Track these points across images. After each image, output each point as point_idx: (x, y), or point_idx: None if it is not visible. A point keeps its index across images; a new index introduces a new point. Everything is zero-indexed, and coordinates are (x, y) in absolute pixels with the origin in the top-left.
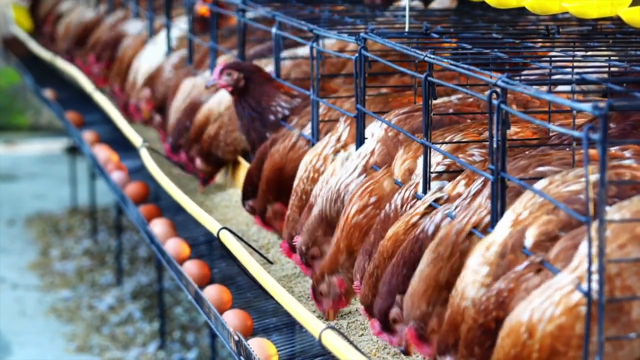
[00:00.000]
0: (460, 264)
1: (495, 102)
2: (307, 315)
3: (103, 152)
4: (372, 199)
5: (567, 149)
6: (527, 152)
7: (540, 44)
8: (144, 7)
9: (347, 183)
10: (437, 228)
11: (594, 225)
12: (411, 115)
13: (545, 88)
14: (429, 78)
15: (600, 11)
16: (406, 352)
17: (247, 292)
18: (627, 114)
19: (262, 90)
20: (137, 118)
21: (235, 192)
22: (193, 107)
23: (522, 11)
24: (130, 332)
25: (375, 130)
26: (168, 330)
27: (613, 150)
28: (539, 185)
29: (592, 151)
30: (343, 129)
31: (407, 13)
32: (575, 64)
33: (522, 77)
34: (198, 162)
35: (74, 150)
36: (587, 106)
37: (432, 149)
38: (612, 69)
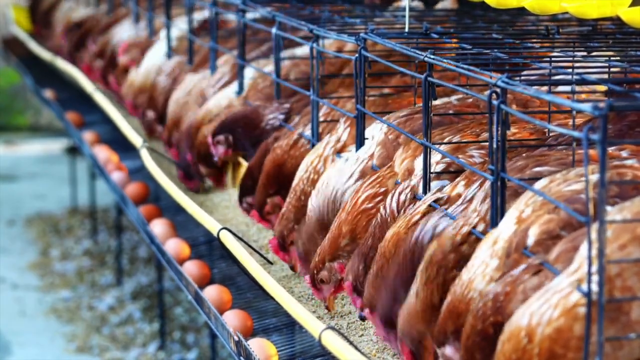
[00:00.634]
0: (449, 279)
1: (495, 102)
2: (307, 316)
3: (103, 153)
4: (382, 189)
5: (565, 149)
6: (524, 153)
7: (540, 45)
8: (144, 7)
9: (343, 190)
10: (436, 229)
11: (594, 225)
12: (411, 117)
13: (545, 88)
14: (429, 78)
15: (600, 11)
16: None
17: (247, 292)
18: (624, 115)
19: (251, 125)
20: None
21: (236, 193)
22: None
23: (522, 11)
24: (130, 332)
25: (375, 133)
26: (168, 331)
27: (610, 150)
28: (540, 183)
29: (591, 151)
30: (343, 130)
31: (407, 13)
32: (575, 64)
33: (522, 78)
34: (200, 167)
35: (74, 151)
36: (586, 106)
37: (431, 150)
38: (612, 69)
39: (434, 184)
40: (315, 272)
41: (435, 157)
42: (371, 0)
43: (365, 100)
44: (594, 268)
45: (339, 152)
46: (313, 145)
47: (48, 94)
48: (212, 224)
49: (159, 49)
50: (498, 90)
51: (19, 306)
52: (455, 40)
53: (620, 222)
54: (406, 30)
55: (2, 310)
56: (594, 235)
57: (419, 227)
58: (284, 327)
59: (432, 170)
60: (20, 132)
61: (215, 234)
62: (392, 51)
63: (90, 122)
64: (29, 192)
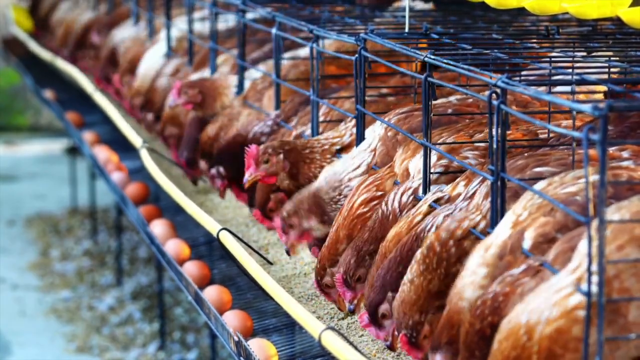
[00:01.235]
0: (451, 271)
1: (495, 102)
2: (307, 316)
3: (103, 153)
4: (379, 193)
5: (566, 150)
6: (525, 153)
7: (540, 45)
8: (144, 7)
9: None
10: (437, 229)
11: (594, 225)
12: (411, 114)
13: (544, 88)
14: (429, 78)
15: (600, 11)
16: (391, 347)
17: (247, 292)
18: (625, 116)
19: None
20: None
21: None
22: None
23: (522, 12)
24: (130, 332)
25: (376, 129)
26: (168, 331)
27: (611, 151)
28: (537, 187)
29: (591, 151)
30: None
31: (407, 13)
32: (575, 64)
33: (522, 78)
34: (202, 164)
35: (74, 151)
36: (586, 107)
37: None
38: (611, 69)
39: (432, 188)
40: (319, 278)
41: (435, 157)
42: (360, 0)
43: (365, 101)
44: (594, 268)
45: (339, 152)
46: None
47: (48, 94)
48: (212, 225)
49: (157, 49)
50: (498, 90)
51: (19, 306)
52: (455, 40)
53: (618, 222)
54: (406, 30)
55: (2, 310)
56: (594, 235)
57: (421, 226)
58: (284, 327)
59: (432, 171)
60: (20, 132)
61: (215, 235)
62: (393, 51)
63: (90, 123)
64: (29, 192)
